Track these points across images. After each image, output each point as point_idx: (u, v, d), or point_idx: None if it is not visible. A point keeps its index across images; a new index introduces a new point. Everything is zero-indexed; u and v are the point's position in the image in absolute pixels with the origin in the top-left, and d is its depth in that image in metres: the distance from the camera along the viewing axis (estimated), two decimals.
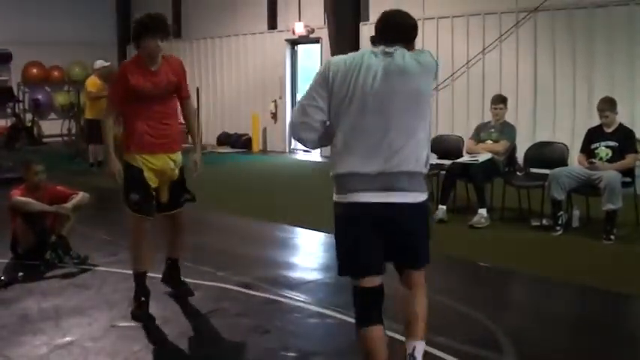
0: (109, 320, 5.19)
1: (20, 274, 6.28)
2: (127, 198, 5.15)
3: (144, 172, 5.13)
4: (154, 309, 5.27)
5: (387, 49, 3.64)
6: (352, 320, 4.96)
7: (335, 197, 3.71)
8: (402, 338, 3.96)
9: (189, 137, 5.54)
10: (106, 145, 5.24)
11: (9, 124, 18.46)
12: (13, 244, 6.80)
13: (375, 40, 3.74)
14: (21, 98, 19.16)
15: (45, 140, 18.35)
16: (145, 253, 5.30)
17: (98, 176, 10.58)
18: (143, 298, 5.26)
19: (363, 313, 3.74)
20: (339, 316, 5.23)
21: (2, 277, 6.07)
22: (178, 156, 5.33)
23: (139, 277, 5.30)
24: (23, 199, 6.64)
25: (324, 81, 3.64)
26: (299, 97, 16.57)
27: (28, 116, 18.93)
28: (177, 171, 5.32)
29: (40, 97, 19.13)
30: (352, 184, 3.60)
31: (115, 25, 20.13)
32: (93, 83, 12.84)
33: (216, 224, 8.93)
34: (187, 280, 5.72)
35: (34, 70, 19.19)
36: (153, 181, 5.19)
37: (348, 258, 3.72)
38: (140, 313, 5.21)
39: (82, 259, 6.71)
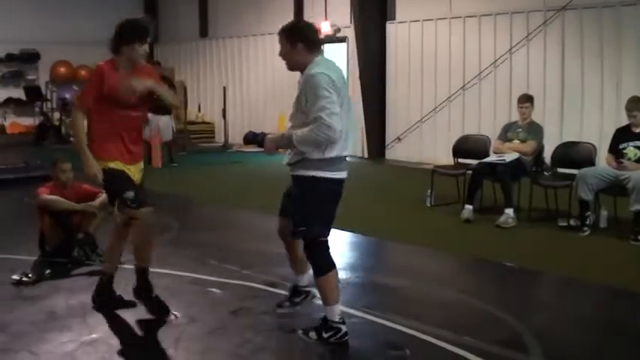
0: (135, 317, 5.21)
1: (48, 271, 6.32)
2: (123, 199, 5.01)
3: (126, 171, 5.08)
4: (180, 307, 5.29)
5: (327, 59, 4.68)
6: (378, 320, 4.99)
7: (327, 174, 4.57)
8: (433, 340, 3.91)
9: None
10: (78, 143, 5.06)
11: (37, 122, 18.70)
12: (41, 241, 6.85)
13: (312, 49, 4.63)
14: (49, 97, 19.37)
15: (72, 139, 18.49)
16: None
17: None
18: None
19: (331, 259, 4.74)
20: (364, 315, 5.21)
21: (30, 275, 6.12)
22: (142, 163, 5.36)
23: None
24: (52, 197, 6.68)
25: (337, 91, 4.48)
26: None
27: (56, 115, 19.12)
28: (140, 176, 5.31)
29: (67, 96, 19.23)
30: (342, 165, 4.66)
31: None
32: None
33: (241, 222, 8.94)
34: (213, 278, 5.71)
35: (62, 70, 19.30)
36: (136, 179, 5.18)
37: (330, 219, 4.72)
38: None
39: None
